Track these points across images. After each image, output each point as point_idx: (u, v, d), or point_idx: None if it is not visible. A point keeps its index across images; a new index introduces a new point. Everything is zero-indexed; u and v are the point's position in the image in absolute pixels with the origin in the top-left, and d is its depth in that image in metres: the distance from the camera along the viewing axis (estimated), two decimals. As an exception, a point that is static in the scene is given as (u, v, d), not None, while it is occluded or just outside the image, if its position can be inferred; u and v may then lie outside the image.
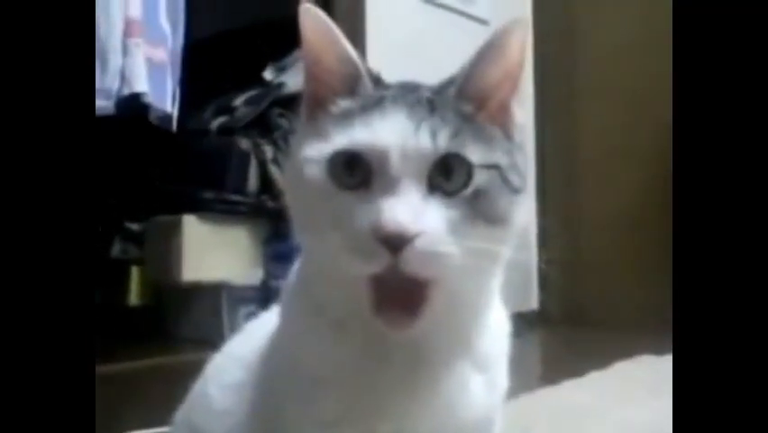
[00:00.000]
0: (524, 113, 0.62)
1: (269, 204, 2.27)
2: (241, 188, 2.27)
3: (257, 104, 2.35)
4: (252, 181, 2.28)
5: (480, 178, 0.54)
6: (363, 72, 0.59)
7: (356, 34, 2.35)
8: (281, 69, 2.44)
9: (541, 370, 1.99)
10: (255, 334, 0.71)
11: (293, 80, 2.38)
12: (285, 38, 2.40)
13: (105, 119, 1.68)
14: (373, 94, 0.58)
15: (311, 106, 0.60)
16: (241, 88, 2.40)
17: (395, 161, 0.52)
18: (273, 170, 2.28)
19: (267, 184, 2.28)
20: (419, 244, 0.50)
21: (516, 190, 0.57)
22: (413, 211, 0.51)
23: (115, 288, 2.37)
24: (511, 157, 0.58)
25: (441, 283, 0.53)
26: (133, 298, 2.41)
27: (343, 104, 0.57)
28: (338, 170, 0.54)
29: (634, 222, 2.95)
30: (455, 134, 0.54)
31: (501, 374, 0.64)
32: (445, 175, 0.54)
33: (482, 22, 2.84)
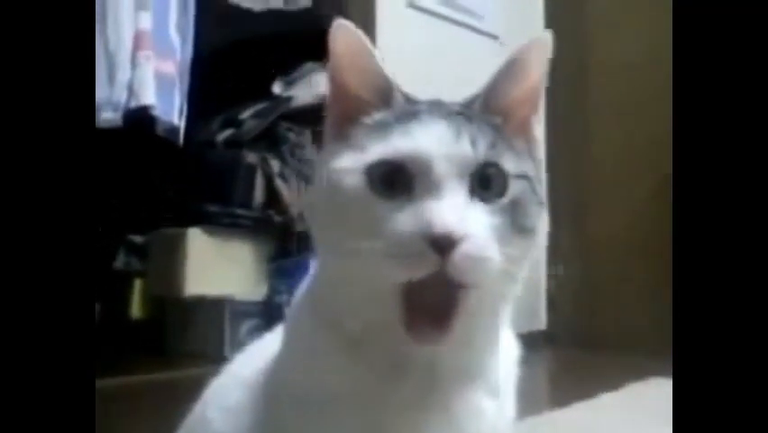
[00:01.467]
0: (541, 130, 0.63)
1: (275, 219, 2.27)
2: (246, 202, 2.27)
3: (264, 117, 2.35)
4: (258, 195, 2.27)
5: (514, 187, 0.55)
6: (395, 86, 0.59)
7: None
8: (290, 83, 2.44)
9: (550, 391, 1.97)
10: (256, 355, 0.70)
11: (301, 94, 2.38)
12: (293, 51, 2.42)
13: (112, 131, 1.68)
14: (407, 106, 0.59)
15: (339, 122, 0.60)
16: (248, 101, 2.40)
17: (438, 166, 0.53)
18: (280, 184, 2.27)
19: (273, 198, 2.28)
20: (466, 247, 0.50)
21: (542, 203, 0.58)
22: (460, 214, 0.51)
23: (118, 300, 2.36)
24: (537, 170, 0.59)
25: (474, 293, 0.53)
26: (136, 310, 2.40)
27: (378, 116, 0.58)
28: (376, 180, 0.54)
29: (645, 242, 2.93)
30: (492, 144, 0.55)
31: (510, 401, 0.64)
32: (483, 183, 0.54)
33: (492, 37, 2.85)
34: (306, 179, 2.32)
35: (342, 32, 0.58)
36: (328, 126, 0.61)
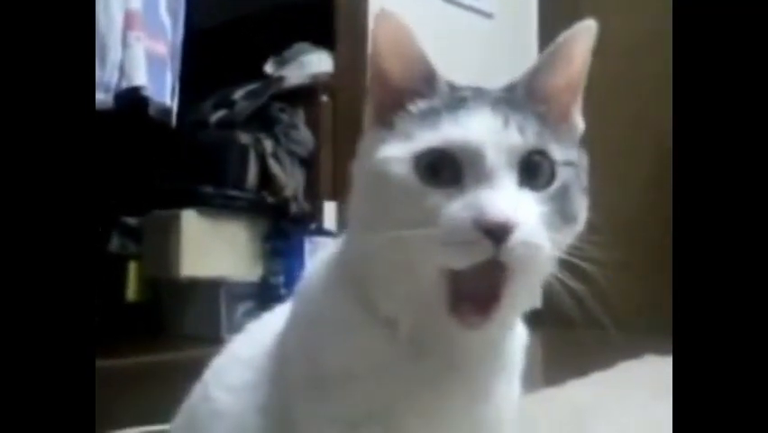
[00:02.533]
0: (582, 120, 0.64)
1: (269, 200, 2.26)
2: (240, 184, 2.26)
3: (257, 97, 2.33)
4: (252, 176, 2.26)
5: (562, 175, 0.56)
6: (439, 73, 0.59)
7: (359, 28, 2.34)
8: (282, 63, 2.43)
9: (544, 369, 1.98)
10: (258, 335, 0.70)
11: (294, 74, 2.37)
12: (286, 31, 2.40)
13: (104, 113, 1.67)
14: (452, 93, 0.59)
15: (383, 109, 0.60)
16: (241, 82, 2.38)
17: (490, 155, 0.53)
18: (273, 164, 2.26)
19: (266, 179, 2.27)
20: (520, 234, 0.51)
21: (585, 189, 0.59)
22: (512, 202, 0.52)
23: (113, 283, 2.35)
24: (580, 157, 0.60)
25: (519, 280, 0.54)
26: (131, 293, 2.40)
27: (423, 104, 0.58)
28: (425, 168, 0.54)
29: (640, 222, 2.94)
30: (539, 132, 0.56)
31: (517, 384, 0.65)
32: (531, 171, 0.55)
33: (487, 15, 2.83)
34: (300, 159, 2.31)
35: (386, 19, 0.58)
36: (370, 113, 0.61)
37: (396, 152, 0.56)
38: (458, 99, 0.57)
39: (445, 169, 0.54)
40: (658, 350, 2.00)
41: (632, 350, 2.04)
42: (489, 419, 0.61)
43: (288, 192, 2.26)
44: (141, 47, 1.75)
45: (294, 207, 2.26)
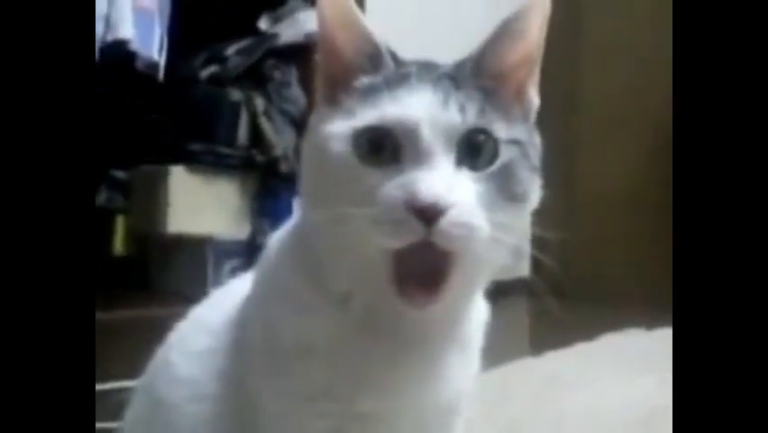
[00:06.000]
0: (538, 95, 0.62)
1: (259, 158, 2.24)
2: (230, 141, 2.24)
3: (249, 54, 2.30)
4: (243, 134, 2.25)
5: (505, 154, 0.55)
6: (383, 49, 0.58)
7: None
8: (276, 19, 2.39)
9: (529, 339, 2.00)
10: (222, 301, 0.69)
11: (288, 31, 2.33)
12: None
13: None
14: (397, 70, 0.58)
15: (330, 85, 0.59)
16: (233, 37, 2.35)
17: (426, 135, 0.53)
18: (264, 122, 2.24)
19: (257, 137, 2.25)
20: (453, 215, 0.50)
21: (534, 168, 0.58)
22: (446, 183, 0.51)
23: (100, 237, 2.34)
24: (530, 135, 0.59)
25: (464, 260, 0.53)
26: (118, 247, 2.39)
27: (367, 80, 0.57)
28: (364, 146, 0.54)
29: (628, 196, 2.95)
30: (482, 110, 0.55)
31: (475, 359, 0.65)
32: (472, 150, 0.54)
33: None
34: (291, 117, 2.29)
35: None
36: (318, 88, 0.60)
37: (337, 129, 0.55)
38: (401, 76, 0.56)
39: (385, 147, 0.53)
40: (643, 324, 2.02)
41: (617, 323, 2.05)
42: (444, 393, 0.61)
43: (278, 151, 2.24)
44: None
45: (284, 167, 2.24)
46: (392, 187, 0.52)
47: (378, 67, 0.58)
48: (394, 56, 0.59)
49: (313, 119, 0.60)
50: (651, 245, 2.83)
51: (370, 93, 0.56)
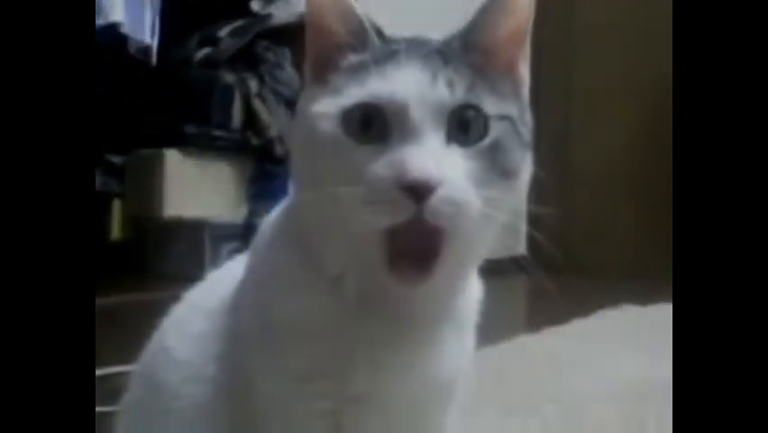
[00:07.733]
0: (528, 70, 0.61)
1: (254, 140, 2.23)
2: (224, 124, 2.23)
3: (242, 35, 2.28)
4: (236, 116, 2.24)
5: (495, 130, 0.54)
6: (369, 27, 0.58)
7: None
8: (268, 0, 2.37)
9: (525, 316, 2.01)
10: (218, 284, 0.69)
11: (280, 12, 2.31)
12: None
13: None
14: (384, 47, 0.57)
15: (317, 66, 0.59)
16: (226, 19, 2.33)
17: (414, 112, 0.52)
18: (258, 104, 2.23)
19: (251, 119, 2.24)
20: (443, 192, 0.50)
21: (526, 144, 0.57)
22: (436, 160, 0.51)
23: (96, 221, 2.34)
24: (521, 111, 0.58)
25: (455, 237, 0.53)
26: (115, 231, 2.39)
27: (354, 58, 0.57)
28: (353, 124, 0.53)
29: (624, 172, 2.95)
30: (471, 86, 0.54)
31: (471, 337, 0.65)
32: (462, 126, 0.53)
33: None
34: (285, 99, 2.28)
35: None
36: (307, 69, 0.60)
37: (324, 107, 0.55)
38: (388, 53, 0.56)
39: (374, 125, 0.53)
40: (639, 300, 2.03)
41: (614, 299, 2.06)
42: (439, 373, 0.61)
43: (273, 133, 2.24)
44: (119, -19, 1.70)
45: (279, 149, 2.24)
46: (381, 165, 0.51)
47: (365, 45, 0.57)
48: (380, 33, 0.58)
49: (301, 99, 0.59)
50: (645, 222, 2.84)
51: (358, 71, 0.55)
